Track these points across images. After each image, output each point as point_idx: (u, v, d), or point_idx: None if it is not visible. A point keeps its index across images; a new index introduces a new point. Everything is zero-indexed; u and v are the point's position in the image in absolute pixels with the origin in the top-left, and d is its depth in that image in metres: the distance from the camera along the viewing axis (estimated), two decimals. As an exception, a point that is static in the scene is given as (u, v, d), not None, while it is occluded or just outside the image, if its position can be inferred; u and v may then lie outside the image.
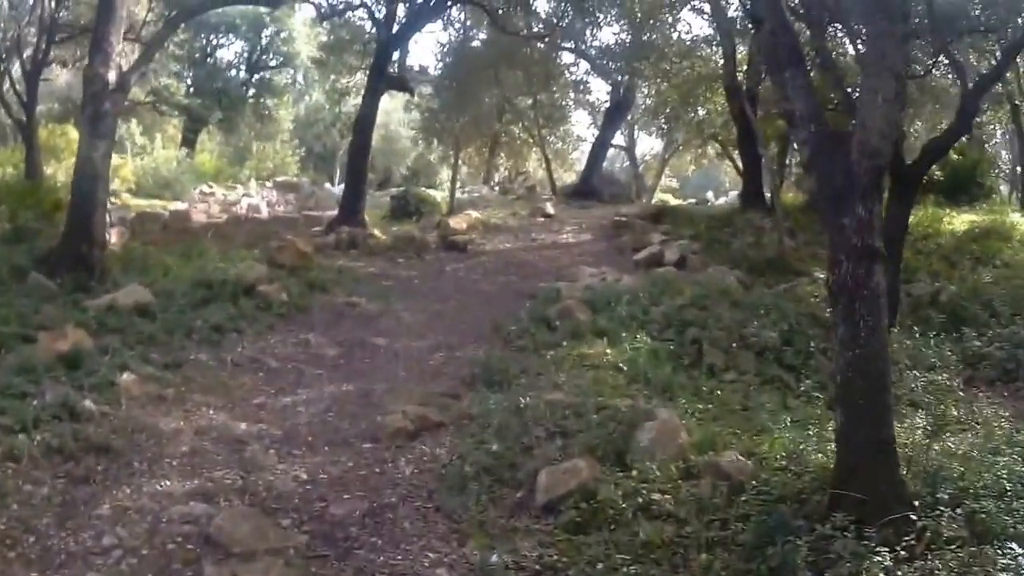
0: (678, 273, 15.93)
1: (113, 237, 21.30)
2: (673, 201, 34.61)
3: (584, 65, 32.55)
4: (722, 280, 14.75)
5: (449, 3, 24.41)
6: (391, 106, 42.85)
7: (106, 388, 8.42)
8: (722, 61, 23.48)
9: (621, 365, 9.91)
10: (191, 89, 34.15)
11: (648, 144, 44.08)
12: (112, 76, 12.59)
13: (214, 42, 35.68)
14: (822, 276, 16.96)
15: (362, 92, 23.84)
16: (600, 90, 40.03)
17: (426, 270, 17.61)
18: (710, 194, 40.85)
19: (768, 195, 22.56)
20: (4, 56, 20.61)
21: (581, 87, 34.57)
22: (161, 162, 27.15)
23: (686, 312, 11.97)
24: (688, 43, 27.14)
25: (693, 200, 35.75)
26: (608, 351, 10.41)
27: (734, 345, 11.03)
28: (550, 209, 25.21)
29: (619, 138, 34.28)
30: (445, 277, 17.10)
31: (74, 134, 24.05)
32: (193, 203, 26.65)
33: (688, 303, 12.40)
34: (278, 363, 10.22)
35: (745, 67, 22.57)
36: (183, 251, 16.01)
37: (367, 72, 23.90)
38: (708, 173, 47.18)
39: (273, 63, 37.39)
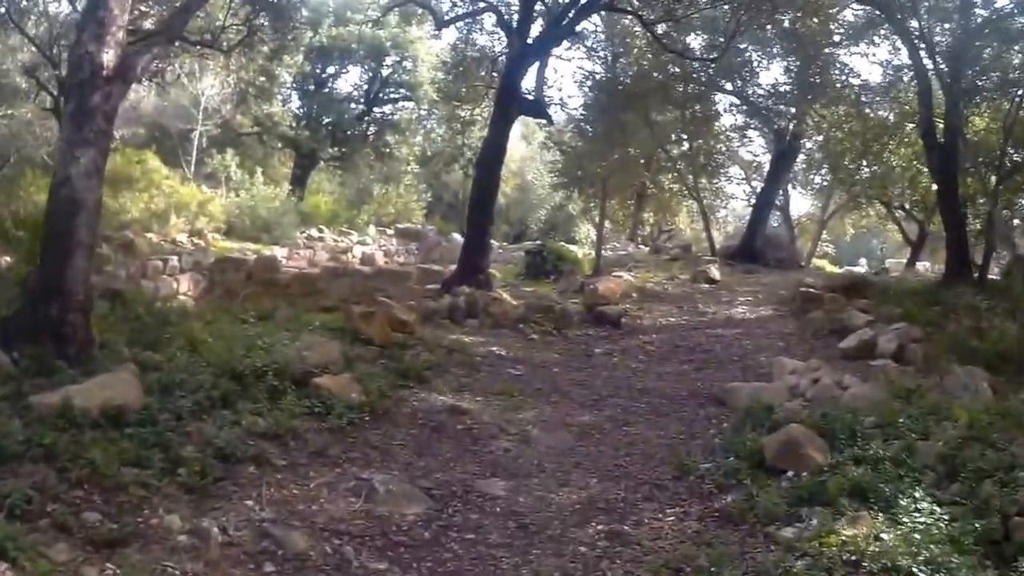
0: (902, 370, 11.36)
1: (185, 285, 17.62)
2: (829, 268, 30.34)
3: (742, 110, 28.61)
4: (975, 387, 9.92)
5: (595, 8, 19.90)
6: (526, 153, 39.07)
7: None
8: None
9: (916, 570, 5.26)
10: (303, 122, 30.71)
11: (801, 204, 39.60)
12: (109, 58, 8.38)
13: (330, 71, 32.36)
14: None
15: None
16: (756, 141, 35.86)
17: (568, 352, 13.07)
18: (863, 261, 37.45)
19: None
20: (64, 70, 17.06)
21: (740, 135, 30.23)
22: (260, 200, 23.43)
23: (969, 450, 7.22)
24: (865, 84, 24.23)
25: (865, 269, 31.22)
26: (883, 534, 5.69)
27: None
28: (715, 274, 20.58)
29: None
30: (594, 364, 12.49)
31: (153, 161, 20.61)
32: (295, 249, 23.06)
33: (968, 435, 7.59)
34: (308, 540, 5.59)
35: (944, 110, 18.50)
36: (242, 312, 11.86)
37: (494, 99, 19.84)
38: (859, 239, 42.50)
39: (395, 95, 33.81)
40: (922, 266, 27.55)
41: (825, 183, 31.51)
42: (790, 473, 7.20)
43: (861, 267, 34.78)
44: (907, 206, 27.67)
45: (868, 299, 17.03)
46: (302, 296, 17.16)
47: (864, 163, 25.98)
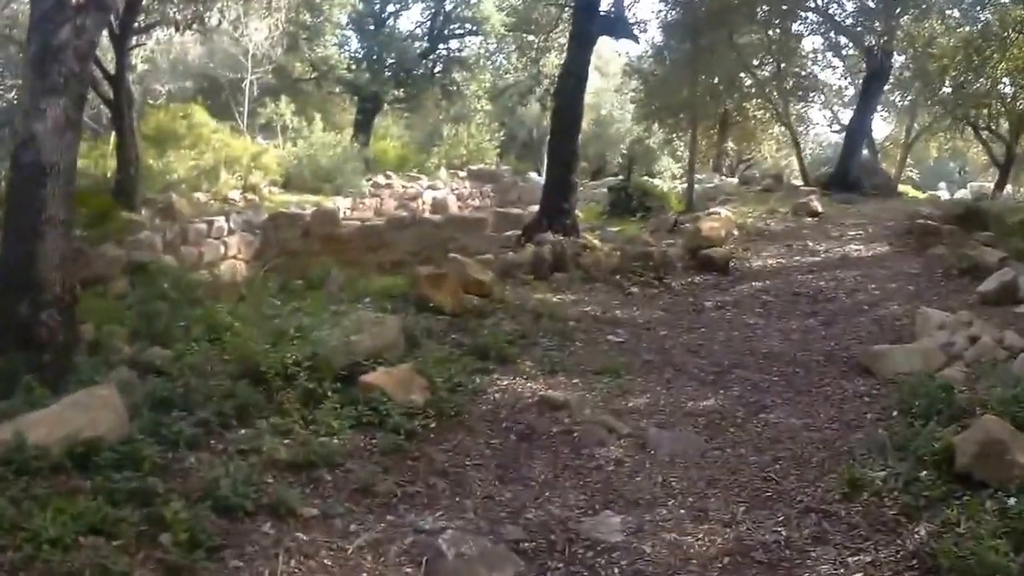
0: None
1: (234, 247, 15.92)
2: (913, 193, 28.21)
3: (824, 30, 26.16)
4: None
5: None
6: (601, 85, 36.68)
7: None
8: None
9: None
10: (363, 64, 28.78)
11: (882, 127, 36.98)
12: (78, -18, 6.47)
13: (390, 9, 30.43)
14: None
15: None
16: (841, 64, 33.19)
17: (675, 308, 11.06)
18: (943, 186, 35.95)
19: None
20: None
21: (826, 57, 28.19)
22: (319, 148, 21.65)
23: None
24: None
25: (946, 195, 30.36)
26: None
27: None
28: (817, 206, 18.32)
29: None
30: (707, 322, 10.46)
31: (200, 115, 18.89)
32: (360, 198, 21.37)
33: None
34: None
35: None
36: (284, 281, 10.06)
37: (570, 21, 17.65)
38: (937, 163, 41.06)
39: (460, 31, 31.71)
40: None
41: (908, 104, 29.01)
42: (1006, 495, 5.04)
43: (943, 192, 32.91)
44: (993, 126, 25.54)
45: (988, 231, 14.85)
46: (365, 252, 15.46)
47: (964, 79, 23.40)
